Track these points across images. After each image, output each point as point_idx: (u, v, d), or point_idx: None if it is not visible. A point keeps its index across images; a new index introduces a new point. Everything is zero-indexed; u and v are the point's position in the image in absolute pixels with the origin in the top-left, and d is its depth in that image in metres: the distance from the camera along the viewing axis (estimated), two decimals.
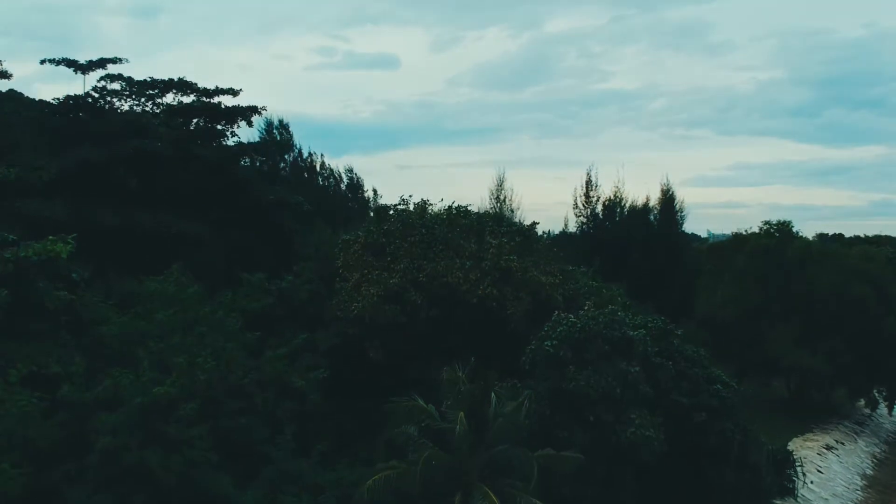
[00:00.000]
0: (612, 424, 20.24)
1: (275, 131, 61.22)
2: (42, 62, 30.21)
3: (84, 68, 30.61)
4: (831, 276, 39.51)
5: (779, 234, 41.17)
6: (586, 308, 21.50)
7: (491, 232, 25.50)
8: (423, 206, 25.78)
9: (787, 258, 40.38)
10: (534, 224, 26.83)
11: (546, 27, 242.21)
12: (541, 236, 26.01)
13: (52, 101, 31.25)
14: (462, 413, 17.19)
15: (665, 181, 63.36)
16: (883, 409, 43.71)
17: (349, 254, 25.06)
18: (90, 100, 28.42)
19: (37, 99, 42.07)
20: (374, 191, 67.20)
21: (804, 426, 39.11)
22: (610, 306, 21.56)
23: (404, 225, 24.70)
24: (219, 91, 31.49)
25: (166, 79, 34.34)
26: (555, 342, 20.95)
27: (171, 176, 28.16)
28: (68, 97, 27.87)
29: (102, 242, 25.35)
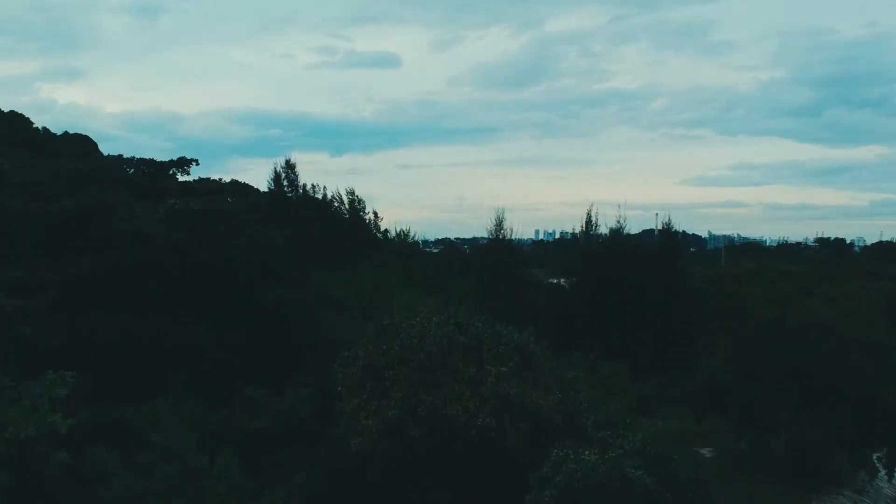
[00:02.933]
0: None
1: (283, 180, 61.94)
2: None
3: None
4: (831, 348, 39.66)
5: (781, 307, 41.35)
6: (587, 454, 21.57)
7: (489, 350, 25.47)
8: (422, 324, 25.73)
9: (788, 330, 40.50)
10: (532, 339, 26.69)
11: (547, 27, 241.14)
12: (536, 352, 26.02)
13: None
14: None
15: (666, 219, 63.77)
16: (882, 475, 43.78)
17: (347, 374, 25.10)
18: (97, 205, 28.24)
19: (41, 128, 42.61)
20: (375, 213, 68.07)
21: (804, 497, 39.31)
22: (609, 454, 21.63)
23: (403, 348, 24.71)
24: (220, 186, 31.65)
25: (166, 160, 34.93)
26: (555, 492, 21.05)
27: (170, 281, 28.15)
28: (77, 206, 27.62)
29: (99, 358, 25.33)
